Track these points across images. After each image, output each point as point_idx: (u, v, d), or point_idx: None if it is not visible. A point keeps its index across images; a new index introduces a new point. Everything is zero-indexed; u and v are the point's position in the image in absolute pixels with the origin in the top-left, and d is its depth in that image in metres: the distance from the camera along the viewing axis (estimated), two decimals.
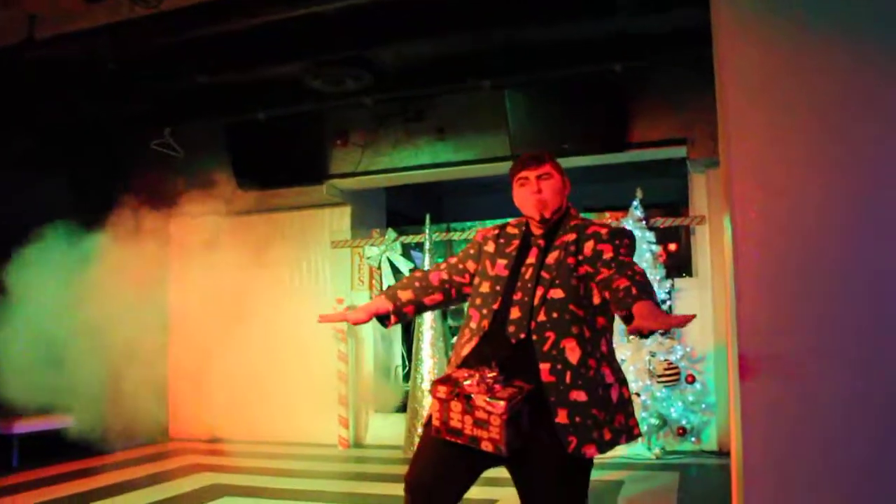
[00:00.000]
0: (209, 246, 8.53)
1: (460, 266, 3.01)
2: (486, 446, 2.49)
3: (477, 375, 2.56)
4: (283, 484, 5.89)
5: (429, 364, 6.87)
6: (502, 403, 2.43)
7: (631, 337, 6.48)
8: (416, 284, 3.04)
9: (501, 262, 2.84)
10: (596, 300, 2.68)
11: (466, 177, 7.99)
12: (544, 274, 2.71)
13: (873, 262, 2.35)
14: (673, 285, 6.87)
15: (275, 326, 8.24)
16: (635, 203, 6.83)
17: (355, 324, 2.99)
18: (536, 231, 2.86)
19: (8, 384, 6.95)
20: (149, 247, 8.69)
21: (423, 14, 5.69)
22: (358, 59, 6.33)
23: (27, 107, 6.21)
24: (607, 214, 8.28)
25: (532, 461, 2.58)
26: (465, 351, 2.74)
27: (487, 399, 2.47)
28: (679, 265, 7.71)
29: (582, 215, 2.93)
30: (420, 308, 3.05)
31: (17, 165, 6.14)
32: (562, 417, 2.55)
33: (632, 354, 6.45)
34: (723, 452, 6.37)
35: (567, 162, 7.06)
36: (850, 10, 2.42)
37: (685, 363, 6.47)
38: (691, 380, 6.39)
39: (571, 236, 2.76)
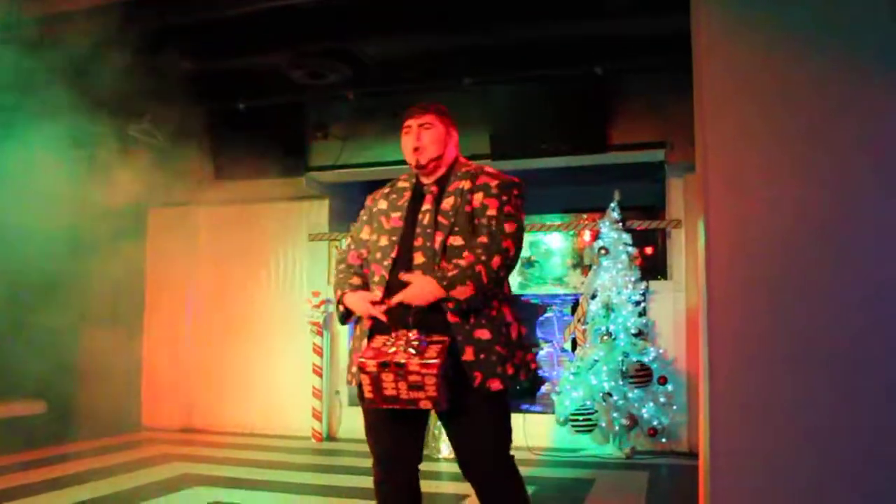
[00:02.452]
0: (186, 235, 8.51)
1: (361, 239, 3.06)
2: (425, 405, 2.59)
3: (401, 341, 2.61)
4: (255, 475, 5.88)
5: None
6: (435, 362, 2.51)
7: (605, 337, 6.53)
8: (352, 271, 3.00)
9: (395, 214, 2.93)
10: None
11: None
12: (441, 219, 2.79)
13: (846, 265, 2.40)
14: (648, 287, 6.93)
15: (250, 317, 8.23)
16: (613, 205, 6.87)
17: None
18: (427, 180, 2.95)
19: None
20: (125, 235, 8.64)
21: (404, 9, 5.68)
22: (339, 53, 6.31)
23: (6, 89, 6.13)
24: (584, 216, 8.30)
25: (454, 403, 2.66)
26: None
27: (421, 363, 2.52)
28: (655, 268, 7.77)
29: (476, 163, 3.02)
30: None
31: None
32: (468, 355, 2.65)
33: (605, 355, 6.50)
34: (693, 453, 6.43)
35: (546, 162, 7.16)
36: (826, 17, 2.47)
37: (657, 364, 6.52)
38: (663, 381, 6.45)
39: (466, 183, 2.85)
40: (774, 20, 2.50)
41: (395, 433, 2.81)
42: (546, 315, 8.06)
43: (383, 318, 2.74)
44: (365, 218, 3.10)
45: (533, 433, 6.73)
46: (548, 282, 8.93)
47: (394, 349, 2.59)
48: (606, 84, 6.62)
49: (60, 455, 6.60)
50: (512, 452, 2.82)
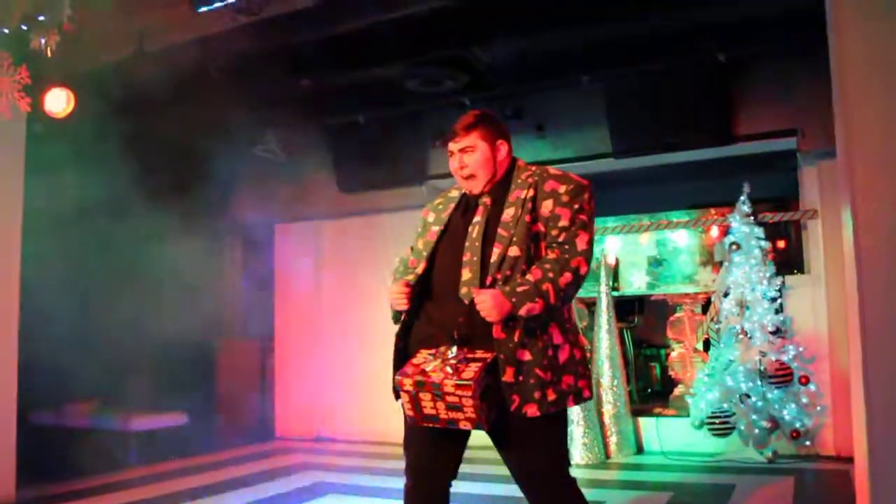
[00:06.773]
0: (311, 249, 8.71)
1: (417, 249, 2.94)
2: (465, 426, 2.50)
3: (438, 360, 2.52)
4: (387, 483, 5.92)
5: None
6: (469, 383, 2.40)
7: (740, 336, 6.27)
8: (409, 272, 2.95)
9: (435, 228, 2.87)
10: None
11: None
12: (502, 231, 2.66)
13: None
14: (784, 283, 6.59)
15: (376, 326, 8.32)
16: (742, 198, 6.59)
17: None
18: (479, 190, 2.82)
19: (125, 384, 7.31)
20: (253, 251, 8.93)
21: (516, 11, 5.63)
22: (454, 59, 6.32)
23: (137, 119, 6.42)
24: (712, 210, 8.03)
25: (499, 424, 2.57)
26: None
27: (456, 384, 2.42)
28: (790, 262, 7.41)
29: (536, 165, 2.90)
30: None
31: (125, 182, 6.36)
32: (508, 376, 2.53)
33: (741, 354, 6.23)
34: (841, 457, 6.09)
35: (670, 157, 6.95)
36: None
37: (798, 363, 6.20)
38: (805, 381, 6.13)
39: (529, 192, 2.73)
40: None
41: (432, 444, 2.73)
42: (676, 315, 7.80)
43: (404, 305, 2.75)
44: (419, 230, 3.00)
45: (667, 437, 6.53)
46: (677, 280, 8.67)
47: (431, 367, 2.50)
48: (730, 72, 6.38)
49: (199, 465, 6.85)
50: (573, 475, 2.69)
